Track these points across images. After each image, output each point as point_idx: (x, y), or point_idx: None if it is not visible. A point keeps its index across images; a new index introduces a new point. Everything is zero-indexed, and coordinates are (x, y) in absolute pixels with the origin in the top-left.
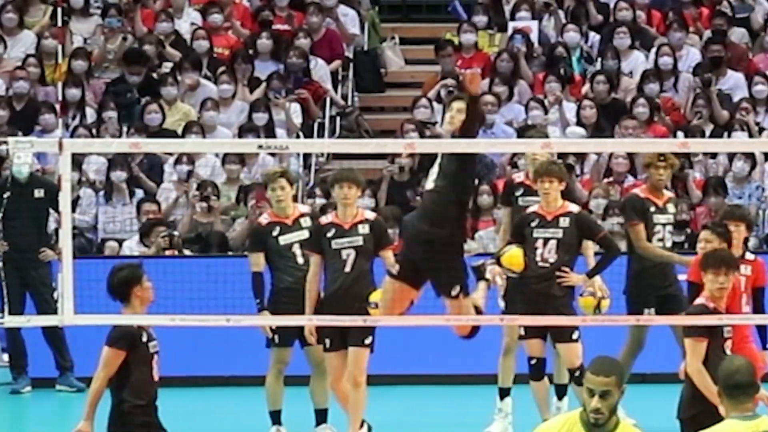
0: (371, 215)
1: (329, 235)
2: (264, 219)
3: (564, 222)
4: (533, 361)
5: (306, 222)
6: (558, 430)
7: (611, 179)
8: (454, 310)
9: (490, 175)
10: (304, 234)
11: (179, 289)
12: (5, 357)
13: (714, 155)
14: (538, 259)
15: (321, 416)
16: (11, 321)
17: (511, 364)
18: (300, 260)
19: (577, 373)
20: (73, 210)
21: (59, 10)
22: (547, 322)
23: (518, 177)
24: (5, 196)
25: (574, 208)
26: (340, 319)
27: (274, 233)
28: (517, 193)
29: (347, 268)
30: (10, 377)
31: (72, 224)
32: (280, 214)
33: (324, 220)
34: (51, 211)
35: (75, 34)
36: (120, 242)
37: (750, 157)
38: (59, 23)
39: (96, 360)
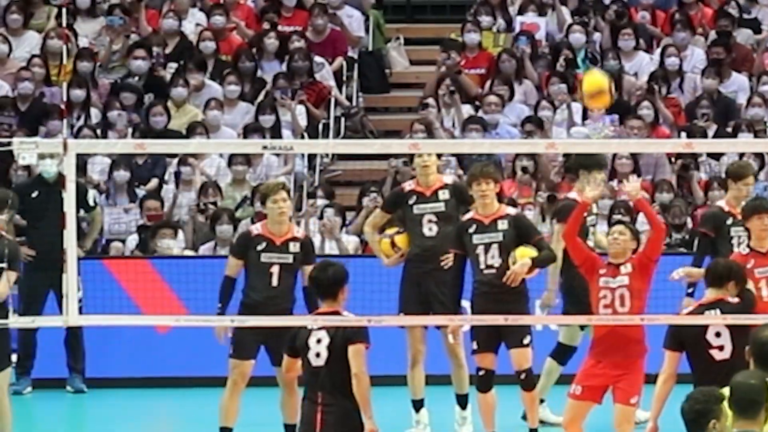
0: None
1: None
2: (255, 230)
3: (503, 225)
4: (482, 372)
5: (295, 247)
6: None
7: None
8: None
9: None
10: (288, 258)
11: (183, 290)
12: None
13: (718, 158)
14: (482, 266)
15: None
16: (16, 322)
17: (420, 375)
18: (275, 282)
19: (523, 376)
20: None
21: (64, 10)
22: (546, 321)
23: (409, 185)
24: (33, 195)
25: (512, 210)
26: (341, 319)
27: (259, 248)
28: (410, 201)
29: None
30: (13, 377)
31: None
32: (273, 231)
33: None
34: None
35: (80, 34)
36: (125, 243)
37: (758, 157)
38: (64, 24)
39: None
